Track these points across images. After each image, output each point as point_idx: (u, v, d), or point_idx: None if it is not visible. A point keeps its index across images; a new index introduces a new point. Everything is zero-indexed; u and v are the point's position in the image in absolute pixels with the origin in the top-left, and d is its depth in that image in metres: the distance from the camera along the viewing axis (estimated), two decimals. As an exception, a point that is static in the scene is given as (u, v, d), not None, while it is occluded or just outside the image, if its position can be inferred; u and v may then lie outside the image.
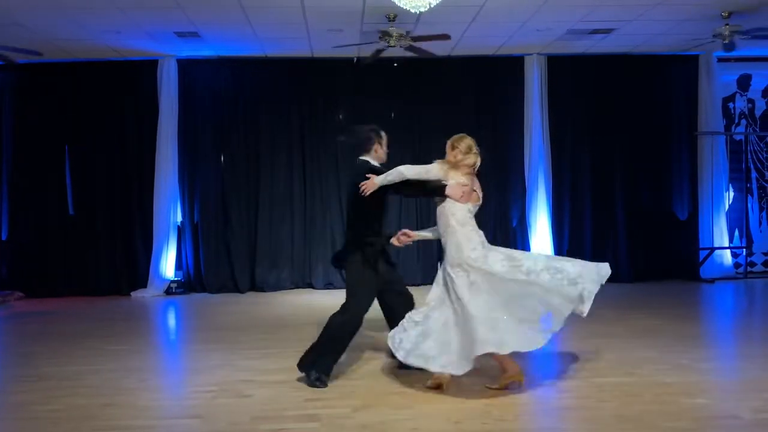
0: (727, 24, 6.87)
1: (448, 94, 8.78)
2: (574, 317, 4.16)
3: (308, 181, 8.74)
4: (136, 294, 8.42)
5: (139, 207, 8.56)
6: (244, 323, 6.54)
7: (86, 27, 7.03)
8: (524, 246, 8.82)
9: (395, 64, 8.32)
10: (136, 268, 8.57)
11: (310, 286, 8.69)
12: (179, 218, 8.63)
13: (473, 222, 4.35)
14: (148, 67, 8.45)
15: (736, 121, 9.37)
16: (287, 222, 8.70)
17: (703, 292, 8.16)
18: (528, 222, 8.77)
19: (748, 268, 9.14)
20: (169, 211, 8.48)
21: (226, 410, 3.88)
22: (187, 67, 8.55)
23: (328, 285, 8.65)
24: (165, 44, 7.87)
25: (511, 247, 8.65)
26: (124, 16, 6.72)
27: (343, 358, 4.47)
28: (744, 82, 9.33)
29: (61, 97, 8.52)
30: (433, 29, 7.02)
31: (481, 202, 4.41)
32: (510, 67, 8.76)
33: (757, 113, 9.37)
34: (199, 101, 8.65)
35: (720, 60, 8.87)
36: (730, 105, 9.33)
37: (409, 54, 7.39)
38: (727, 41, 6.93)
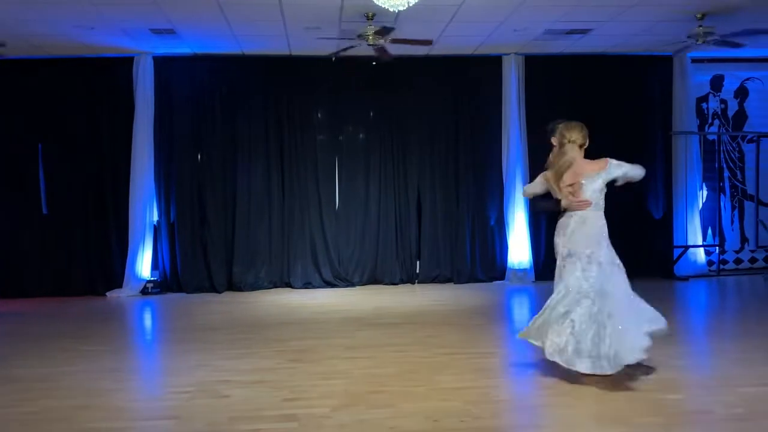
0: (700, 26, 6.98)
1: (427, 93, 8.81)
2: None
3: (286, 179, 8.70)
4: (112, 294, 8.31)
5: (115, 206, 8.45)
6: (222, 323, 6.49)
7: (58, 23, 6.91)
8: (502, 244, 8.89)
9: (374, 63, 8.31)
10: (112, 268, 8.45)
11: (289, 285, 8.65)
12: (155, 217, 8.53)
13: (566, 214, 4.45)
14: (124, 65, 8.33)
15: (710, 121, 9.52)
16: (265, 221, 8.65)
17: (678, 289, 8.28)
18: (506, 221, 8.82)
19: (721, 266, 9.30)
20: (145, 210, 8.37)
21: (203, 411, 3.85)
22: (163, 65, 8.45)
23: (307, 284, 8.62)
24: (140, 41, 7.78)
25: (489, 245, 8.88)
26: (97, 12, 6.61)
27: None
28: (717, 83, 9.48)
29: (33, 95, 8.36)
30: (412, 28, 7.03)
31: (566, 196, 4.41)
32: (488, 67, 8.80)
33: (730, 113, 9.53)
34: (176, 99, 8.55)
35: (694, 61, 9.00)
36: (704, 105, 9.47)
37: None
38: (700, 42, 7.04)
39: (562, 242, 4.40)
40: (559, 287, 4.37)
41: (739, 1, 6.53)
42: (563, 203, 4.42)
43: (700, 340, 5.80)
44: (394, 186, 8.86)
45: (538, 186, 4.67)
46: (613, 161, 4.43)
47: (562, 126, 4.52)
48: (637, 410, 3.75)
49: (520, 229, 8.76)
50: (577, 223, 4.35)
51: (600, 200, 4.41)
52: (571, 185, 4.39)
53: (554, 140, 4.61)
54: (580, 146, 4.46)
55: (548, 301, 4.41)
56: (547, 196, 4.62)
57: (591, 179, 4.36)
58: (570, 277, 4.31)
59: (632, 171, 4.48)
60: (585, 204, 4.35)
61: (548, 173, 4.55)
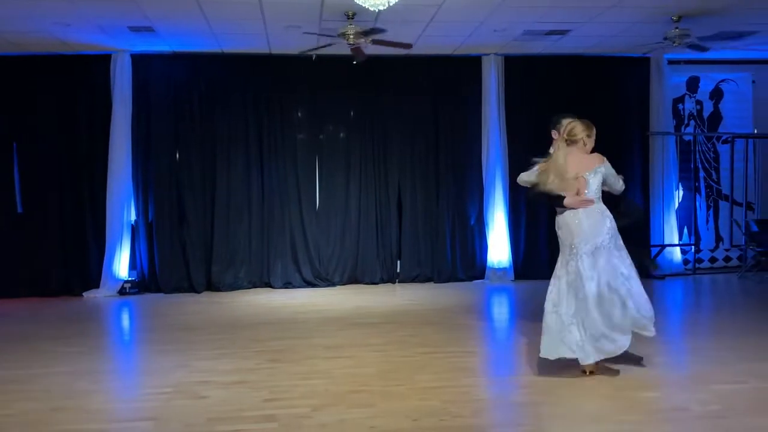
0: (677, 28, 7.07)
1: (407, 92, 8.81)
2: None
3: (266, 178, 8.65)
4: (89, 294, 8.21)
5: (92, 205, 8.34)
6: (200, 323, 6.44)
7: (33, 19, 6.79)
8: (482, 243, 8.93)
9: (355, 62, 8.28)
10: (89, 268, 8.34)
11: (269, 285, 8.61)
12: (133, 216, 8.44)
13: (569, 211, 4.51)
14: (101, 62, 8.23)
15: (686, 122, 9.65)
16: (245, 220, 8.60)
17: (655, 288, 8.36)
18: (485, 220, 8.87)
19: (696, 265, 9.44)
20: (123, 209, 8.28)
21: (181, 412, 3.81)
22: (141, 63, 8.35)
23: (287, 284, 8.58)
24: (118, 39, 7.69)
25: (468, 244, 8.92)
26: (73, 8, 6.52)
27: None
28: (693, 84, 9.62)
29: (8, 92, 8.22)
30: (392, 28, 7.04)
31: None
32: (468, 67, 8.83)
33: (705, 114, 9.67)
34: (154, 97, 8.46)
35: (670, 62, 9.12)
36: (680, 106, 9.60)
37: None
38: (676, 44, 7.14)
39: (572, 238, 4.42)
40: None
41: (714, 5, 6.63)
42: (567, 201, 4.45)
43: (677, 338, 5.88)
44: (374, 185, 8.85)
45: (532, 176, 4.73)
46: (606, 161, 4.55)
47: (567, 123, 4.57)
48: (615, 408, 3.80)
49: (500, 229, 8.81)
50: (587, 218, 4.42)
51: (600, 193, 4.52)
52: (575, 178, 4.44)
53: (554, 134, 4.67)
54: (578, 142, 4.50)
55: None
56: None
57: (593, 173, 4.46)
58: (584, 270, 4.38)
59: (614, 181, 4.59)
60: (590, 203, 4.43)
61: (546, 165, 4.57)
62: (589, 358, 4.29)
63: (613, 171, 4.57)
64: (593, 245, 4.37)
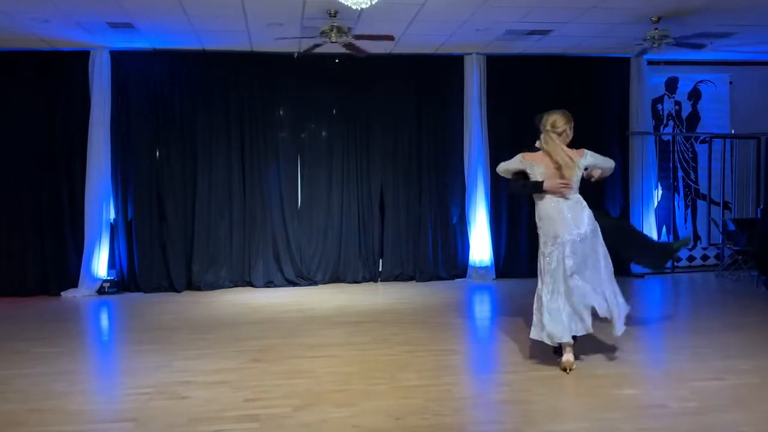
0: (656, 29, 7.16)
1: (390, 91, 8.81)
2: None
3: (247, 176, 8.60)
4: (67, 294, 8.10)
5: (70, 203, 8.23)
6: (181, 323, 6.39)
7: (10, 14, 6.69)
8: (464, 242, 8.96)
9: (337, 61, 8.28)
10: (67, 267, 8.23)
11: (250, 284, 8.56)
12: (112, 215, 8.36)
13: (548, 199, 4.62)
14: (80, 59, 8.12)
15: (664, 122, 9.77)
16: (226, 219, 8.54)
17: (634, 286, 8.46)
18: (467, 219, 8.90)
19: (675, 263, 9.56)
20: (101, 207, 8.18)
21: (162, 413, 3.79)
22: (120, 60, 8.26)
23: (269, 283, 8.55)
24: (97, 35, 7.60)
25: (450, 243, 8.95)
26: (52, 4, 6.43)
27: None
28: (671, 85, 9.73)
29: (-17, 89, 8.11)
30: (374, 26, 7.03)
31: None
32: (450, 66, 8.85)
33: (684, 115, 9.79)
34: (134, 95, 8.37)
35: (650, 63, 9.22)
36: (659, 106, 9.71)
37: (348, 51, 7.37)
38: (657, 45, 7.22)
39: (555, 228, 4.50)
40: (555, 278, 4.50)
41: (692, 5, 6.71)
42: (547, 185, 4.51)
43: (655, 335, 5.95)
44: (356, 184, 8.84)
45: (513, 164, 4.80)
46: (588, 151, 4.66)
47: (547, 115, 4.66)
48: (594, 405, 3.84)
49: (482, 228, 8.85)
50: (569, 210, 4.52)
51: (579, 185, 4.63)
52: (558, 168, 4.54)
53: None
54: (562, 133, 4.59)
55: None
56: (521, 175, 4.73)
57: (577, 167, 4.57)
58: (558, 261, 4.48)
59: (604, 162, 4.72)
60: (568, 187, 4.51)
61: (531, 156, 4.67)
62: (564, 336, 4.42)
63: (598, 156, 4.70)
64: (577, 235, 4.46)
